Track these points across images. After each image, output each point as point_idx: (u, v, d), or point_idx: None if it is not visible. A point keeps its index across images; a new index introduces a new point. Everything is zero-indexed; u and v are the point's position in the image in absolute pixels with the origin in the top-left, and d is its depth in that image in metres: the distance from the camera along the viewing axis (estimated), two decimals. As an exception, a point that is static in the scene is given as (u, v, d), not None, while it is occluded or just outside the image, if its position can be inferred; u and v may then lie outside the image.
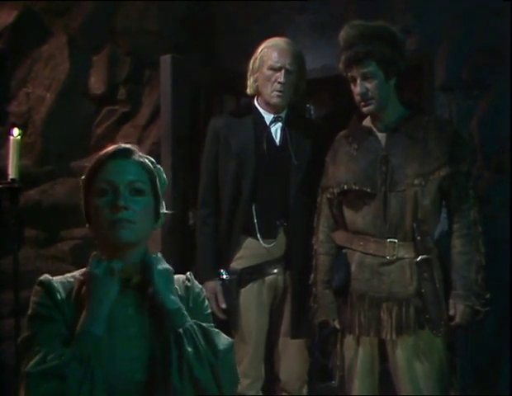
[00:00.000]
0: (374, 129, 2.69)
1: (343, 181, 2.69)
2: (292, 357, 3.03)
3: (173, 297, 1.66)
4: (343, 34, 2.64)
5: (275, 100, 2.96)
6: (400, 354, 2.63)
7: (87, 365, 1.54)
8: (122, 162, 1.68)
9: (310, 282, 2.84)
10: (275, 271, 2.98)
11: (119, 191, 1.64)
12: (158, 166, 1.78)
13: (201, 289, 1.80)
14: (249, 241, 2.97)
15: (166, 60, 3.33)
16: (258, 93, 3.03)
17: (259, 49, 3.00)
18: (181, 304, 1.67)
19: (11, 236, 3.31)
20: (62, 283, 1.67)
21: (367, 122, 2.73)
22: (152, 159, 1.77)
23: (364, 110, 2.66)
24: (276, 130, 3.02)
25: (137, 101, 4.26)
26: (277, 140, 3.01)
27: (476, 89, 3.25)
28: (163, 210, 1.76)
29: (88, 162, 1.74)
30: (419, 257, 2.59)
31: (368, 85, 2.61)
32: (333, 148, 2.82)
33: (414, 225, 2.59)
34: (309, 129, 3.08)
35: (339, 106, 4.42)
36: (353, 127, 2.78)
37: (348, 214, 2.72)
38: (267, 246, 2.96)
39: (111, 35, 4.21)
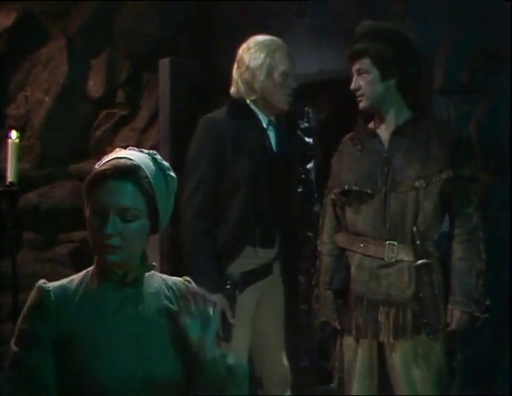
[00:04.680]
0: (378, 132, 2.70)
1: (345, 181, 2.70)
2: (275, 360, 2.95)
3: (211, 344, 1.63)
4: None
5: (287, 106, 2.86)
6: (398, 357, 2.62)
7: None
8: (119, 184, 1.60)
9: (312, 283, 2.84)
10: (267, 275, 2.90)
11: (108, 218, 1.58)
12: (173, 175, 1.70)
13: (204, 294, 1.79)
14: (248, 250, 2.83)
15: (164, 63, 3.33)
16: (262, 98, 2.84)
17: (263, 54, 2.80)
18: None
19: (9, 239, 3.30)
20: (60, 288, 1.67)
21: (372, 124, 2.74)
22: (166, 166, 1.69)
23: (359, 106, 2.68)
24: (271, 135, 2.90)
25: (136, 104, 4.26)
26: (274, 146, 2.90)
27: (475, 92, 3.26)
28: (164, 225, 1.73)
29: (88, 165, 1.71)
30: (419, 262, 2.58)
31: (361, 81, 2.64)
32: (338, 150, 2.83)
33: (415, 229, 2.59)
34: (290, 131, 3.02)
35: (338, 109, 4.43)
36: (358, 129, 2.79)
37: (349, 215, 2.73)
38: (265, 256, 2.86)
39: (110, 38, 4.21)
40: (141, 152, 1.71)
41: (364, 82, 2.63)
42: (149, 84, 4.18)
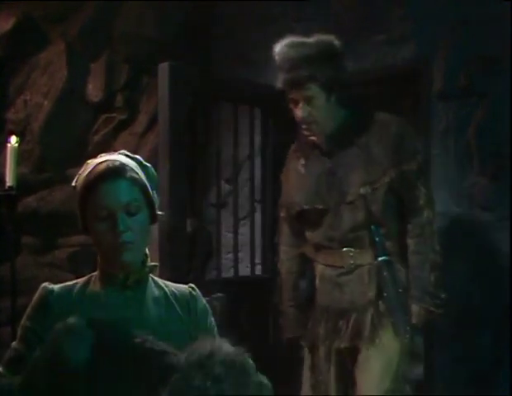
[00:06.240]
0: (318, 142, 2.66)
1: (296, 202, 2.69)
2: None
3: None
4: (281, 53, 2.55)
5: None
6: (362, 359, 2.60)
7: None
8: (114, 183, 1.66)
9: (275, 301, 2.85)
10: None
11: (116, 217, 1.64)
12: (148, 165, 1.77)
13: (206, 304, 1.81)
14: None
15: (164, 68, 3.33)
16: None
17: None
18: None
19: (8, 243, 3.30)
20: (63, 289, 1.71)
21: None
22: (139, 159, 1.76)
23: (306, 134, 2.61)
24: None
25: (135, 108, 4.25)
26: None
27: (474, 96, 3.25)
28: (159, 213, 1.77)
29: (80, 169, 1.74)
30: (378, 259, 2.56)
31: (310, 108, 2.55)
32: (285, 166, 2.81)
33: (373, 228, 2.56)
34: None
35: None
36: (299, 140, 2.74)
37: (306, 228, 2.72)
38: None
39: (109, 42, 4.21)
40: (112, 154, 1.76)
41: (314, 109, 2.55)
42: (149, 88, 4.18)
